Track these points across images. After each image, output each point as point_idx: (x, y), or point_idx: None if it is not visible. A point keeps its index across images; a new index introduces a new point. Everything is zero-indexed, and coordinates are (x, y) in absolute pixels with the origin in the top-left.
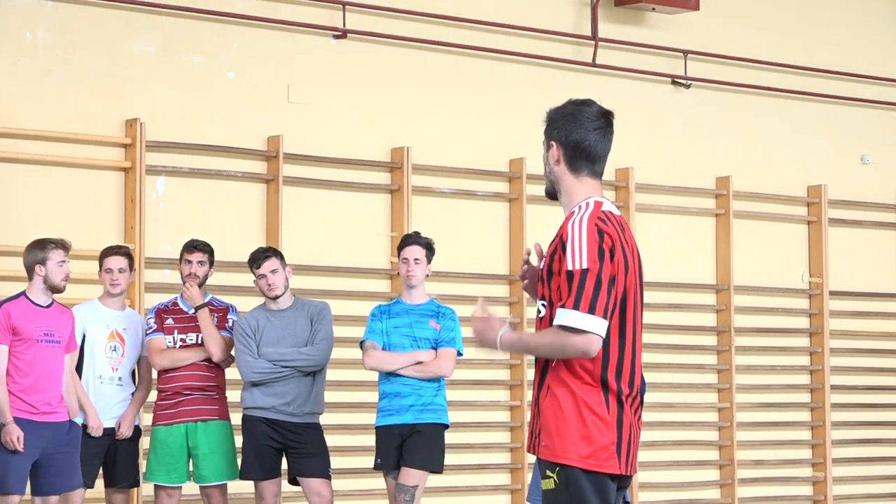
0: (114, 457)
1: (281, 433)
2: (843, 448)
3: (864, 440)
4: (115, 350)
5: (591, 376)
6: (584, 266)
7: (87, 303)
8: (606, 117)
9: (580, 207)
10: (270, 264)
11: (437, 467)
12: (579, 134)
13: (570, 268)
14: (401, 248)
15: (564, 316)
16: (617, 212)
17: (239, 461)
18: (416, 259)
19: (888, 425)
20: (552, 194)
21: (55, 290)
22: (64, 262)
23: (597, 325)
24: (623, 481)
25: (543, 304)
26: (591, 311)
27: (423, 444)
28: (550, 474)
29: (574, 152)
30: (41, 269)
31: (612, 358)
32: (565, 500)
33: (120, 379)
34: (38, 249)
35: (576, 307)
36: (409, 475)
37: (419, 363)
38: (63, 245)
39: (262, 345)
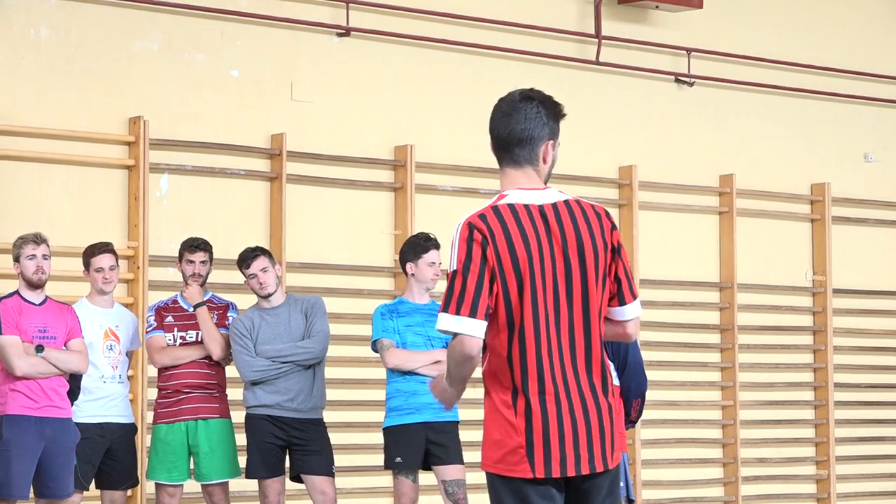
0: (112, 459)
1: (285, 430)
2: (846, 446)
3: (868, 438)
4: (111, 349)
5: (503, 377)
6: (454, 267)
7: (76, 304)
8: (523, 100)
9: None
10: (259, 263)
11: (463, 461)
12: (492, 125)
13: (448, 270)
14: (424, 251)
15: (438, 320)
16: (537, 200)
17: (242, 460)
18: (440, 263)
19: (892, 423)
20: None
21: (31, 284)
22: (34, 255)
23: (465, 326)
24: (576, 481)
25: None
26: (458, 311)
27: (454, 440)
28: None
29: (495, 145)
30: (17, 265)
31: (515, 357)
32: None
33: (120, 376)
34: (14, 246)
35: (445, 310)
36: (455, 470)
37: (437, 362)
38: (34, 239)
39: (258, 343)
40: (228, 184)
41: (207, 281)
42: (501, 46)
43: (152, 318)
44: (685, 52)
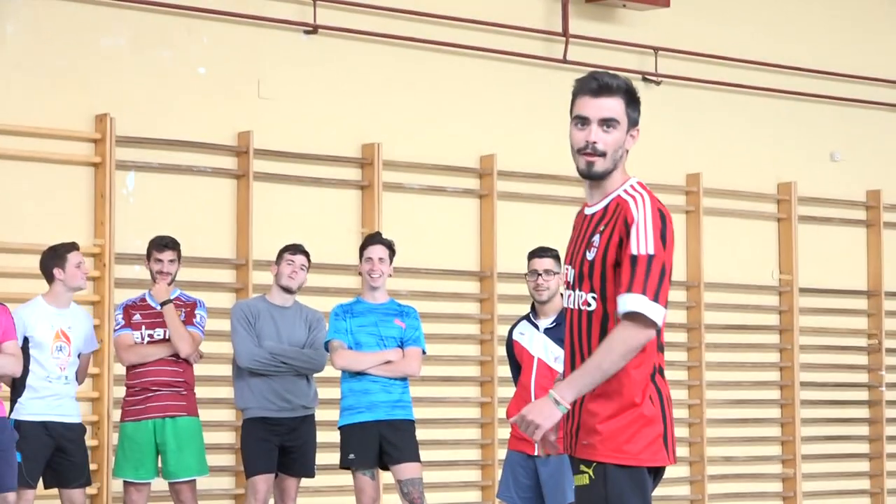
0: (61, 456)
1: (282, 429)
2: (812, 445)
3: (834, 437)
4: (61, 350)
5: (644, 368)
6: (650, 252)
7: (30, 302)
8: None
9: (634, 188)
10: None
11: (419, 459)
12: (639, 112)
13: (633, 252)
14: (364, 247)
15: (631, 302)
16: None
17: (210, 458)
18: (380, 258)
19: (858, 422)
20: (602, 176)
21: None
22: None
23: (660, 315)
24: (660, 474)
25: (594, 297)
26: (656, 298)
27: (409, 438)
28: (585, 470)
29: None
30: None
31: (659, 347)
32: (601, 496)
33: (67, 377)
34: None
35: (643, 292)
36: (411, 468)
37: (388, 362)
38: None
39: (259, 336)
40: (195, 181)
41: (175, 279)
42: (469, 45)
43: (120, 316)
44: (652, 50)
